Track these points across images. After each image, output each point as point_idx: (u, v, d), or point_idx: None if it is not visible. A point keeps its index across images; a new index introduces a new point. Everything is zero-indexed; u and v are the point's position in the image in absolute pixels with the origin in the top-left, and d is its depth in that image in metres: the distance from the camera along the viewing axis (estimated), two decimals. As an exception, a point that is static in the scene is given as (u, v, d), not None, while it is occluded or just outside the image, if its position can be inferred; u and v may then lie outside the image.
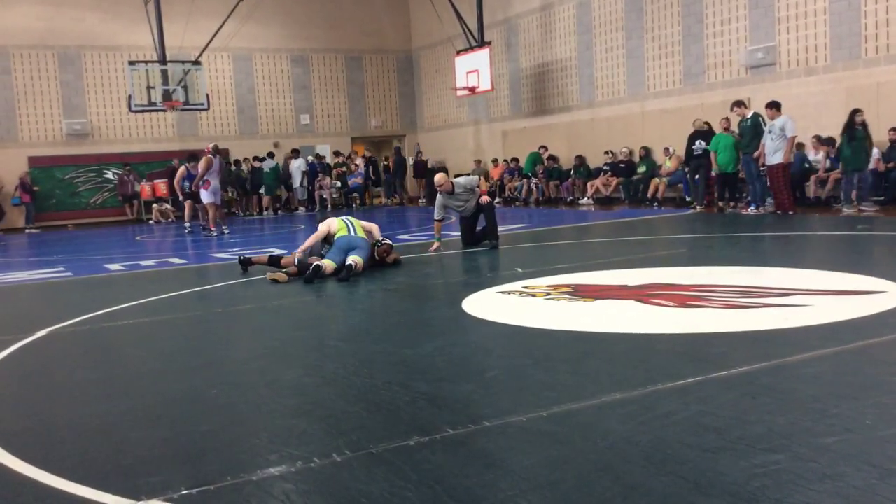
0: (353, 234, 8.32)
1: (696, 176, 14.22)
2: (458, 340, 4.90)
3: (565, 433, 2.98)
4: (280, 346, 5.01)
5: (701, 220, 12.37)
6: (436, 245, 9.51)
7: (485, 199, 9.65)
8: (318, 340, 5.17)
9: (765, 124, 12.46)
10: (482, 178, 10.84)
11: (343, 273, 7.68)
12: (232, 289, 7.73)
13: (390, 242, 8.63)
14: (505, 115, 21.79)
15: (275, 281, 7.73)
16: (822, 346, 4.01)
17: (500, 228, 9.91)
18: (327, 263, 7.89)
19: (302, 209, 22.02)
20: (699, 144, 14.12)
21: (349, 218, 8.70)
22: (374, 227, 8.69)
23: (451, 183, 9.77)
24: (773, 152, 11.76)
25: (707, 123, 14.33)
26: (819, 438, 2.76)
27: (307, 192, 22.30)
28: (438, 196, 9.77)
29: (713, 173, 14.06)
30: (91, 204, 21.97)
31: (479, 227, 9.93)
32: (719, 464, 2.58)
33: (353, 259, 7.84)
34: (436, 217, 9.76)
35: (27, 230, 20.25)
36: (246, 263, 8.58)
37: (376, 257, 8.39)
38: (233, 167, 21.93)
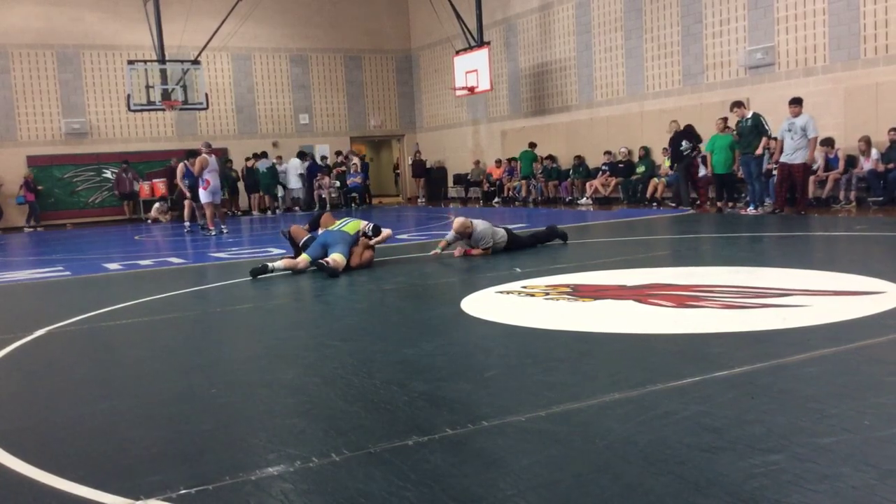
0: (337, 228, 8.51)
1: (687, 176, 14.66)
2: (457, 340, 4.90)
3: (564, 433, 2.98)
4: (279, 346, 5.01)
5: (699, 221, 12.37)
6: (436, 252, 9.03)
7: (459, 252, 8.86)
8: (317, 340, 5.17)
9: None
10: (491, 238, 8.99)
11: (328, 270, 7.83)
12: (230, 288, 7.72)
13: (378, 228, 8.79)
14: (504, 114, 21.79)
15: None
16: (821, 346, 4.01)
17: (498, 227, 9.78)
18: (303, 258, 8.17)
19: (297, 209, 22.02)
20: (686, 144, 14.45)
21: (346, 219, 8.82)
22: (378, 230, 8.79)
23: (472, 226, 8.86)
24: (794, 151, 11.71)
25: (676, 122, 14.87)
26: (818, 438, 2.76)
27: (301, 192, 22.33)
28: (453, 234, 9.03)
29: (702, 174, 14.35)
30: (90, 203, 21.96)
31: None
32: (718, 464, 2.58)
33: (332, 257, 7.97)
34: (448, 238, 9.10)
35: (26, 229, 20.26)
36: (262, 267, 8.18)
37: (369, 238, 8.61)
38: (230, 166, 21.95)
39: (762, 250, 8.70)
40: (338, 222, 8.80)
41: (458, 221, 8.94)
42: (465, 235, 8.92)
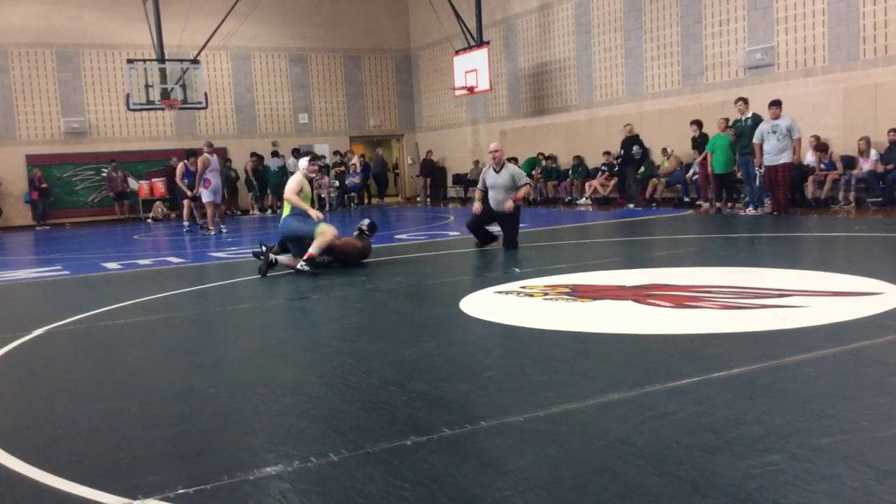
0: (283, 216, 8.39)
1: (635, 176, 15.78)
2: (455, 340, 4.90)
3: (562, 433, 2.98)
4: (277, 346, 5.01)
5: (699, 221, 12.38)
6: (477, 206, 9.45)
7: (509, 204, 9.16)
8: (316, 340, 5.17)
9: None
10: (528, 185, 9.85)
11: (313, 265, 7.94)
12: (229, 288, 7.72)
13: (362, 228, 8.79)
14: (503, 114, 21.79)
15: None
16: (820, 346, 4.02)
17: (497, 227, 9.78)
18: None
19: None
20: (637, 149, 15.43)
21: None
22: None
23: (504, 158, 9.55)
24: (779, 152, 11.74)
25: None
26: (816, 439, 2.76)
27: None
28: (484, 169, 9.62)
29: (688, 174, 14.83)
30: (89, 202, 21.95)
31: (489, 227, 9.65)
32: (716, 464, 2.58)
33: (311, 249, 7.98)
34: (479, 187, 9.57)
35: (37, 227, 20.30)
36: (268, 263, 8.03)
37: (362, 233, 8.72)
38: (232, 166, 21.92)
39: (761, 251, 8.70)
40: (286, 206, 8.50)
41: (493, 144, 9.66)
42: (498, 161, 9.29)
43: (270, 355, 4.71)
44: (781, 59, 14.17)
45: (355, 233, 8.78)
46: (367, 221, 8.89)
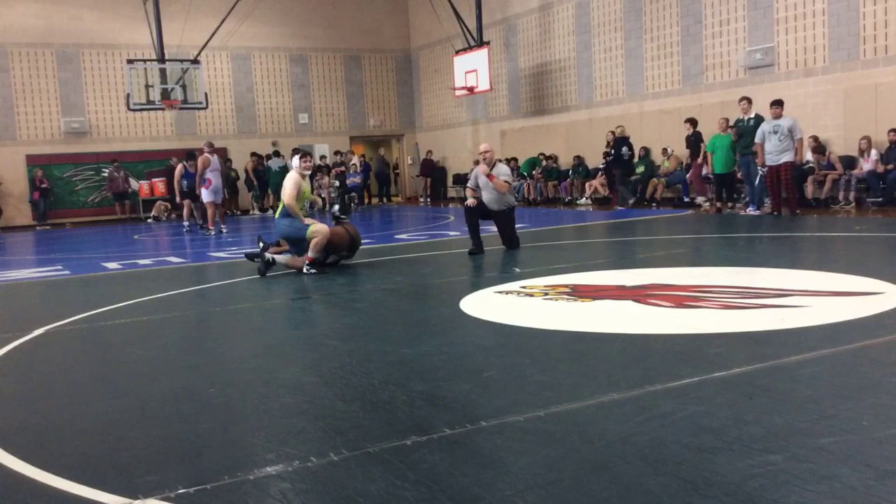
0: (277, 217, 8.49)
1: (627, 178, 16.16)
2: (455, 340, 4.89)
3: (563, 433, 2.98)
4: (277, 345, 5.01)
5: (699, 221, 12.38)
6: (471, 200, 9.33)
7: (483, 168, 9.28)
8: (316, 339, 5.17)
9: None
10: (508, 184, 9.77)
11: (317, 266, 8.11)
12: (229, 288, 7.72)
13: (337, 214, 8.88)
14: (503, 114, 21.79)
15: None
16: (820, 346, 4.01)
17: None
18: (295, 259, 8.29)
19: None
20: (626, 150, 15.78)
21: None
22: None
23: (495, 159, 9.55)
24: (780, 152, 11.74)
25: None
26: (816, 439, 2.76)
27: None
28: (476, 168, 9.58)
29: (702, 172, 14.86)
30: (89, 202, 21.95)
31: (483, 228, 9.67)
32: (716, 464, 2.58)
33: (308, 252, 8.11)
34: (470, 185, 9.54)
35: (38, 227, 20.30)
36: (266, 263, 8.07)
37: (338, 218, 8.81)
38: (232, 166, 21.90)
39: (761, 251, 8.70)
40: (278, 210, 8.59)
41: (483, 145, 9.65)
42: (489, 161, 9.30)
43: (270, 355, 4.71)
44: (781, 60, 14.16)
45: (332, 223, 8.77)
46: (336, 206, 9.05)
